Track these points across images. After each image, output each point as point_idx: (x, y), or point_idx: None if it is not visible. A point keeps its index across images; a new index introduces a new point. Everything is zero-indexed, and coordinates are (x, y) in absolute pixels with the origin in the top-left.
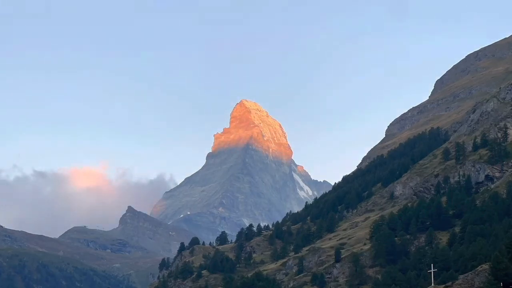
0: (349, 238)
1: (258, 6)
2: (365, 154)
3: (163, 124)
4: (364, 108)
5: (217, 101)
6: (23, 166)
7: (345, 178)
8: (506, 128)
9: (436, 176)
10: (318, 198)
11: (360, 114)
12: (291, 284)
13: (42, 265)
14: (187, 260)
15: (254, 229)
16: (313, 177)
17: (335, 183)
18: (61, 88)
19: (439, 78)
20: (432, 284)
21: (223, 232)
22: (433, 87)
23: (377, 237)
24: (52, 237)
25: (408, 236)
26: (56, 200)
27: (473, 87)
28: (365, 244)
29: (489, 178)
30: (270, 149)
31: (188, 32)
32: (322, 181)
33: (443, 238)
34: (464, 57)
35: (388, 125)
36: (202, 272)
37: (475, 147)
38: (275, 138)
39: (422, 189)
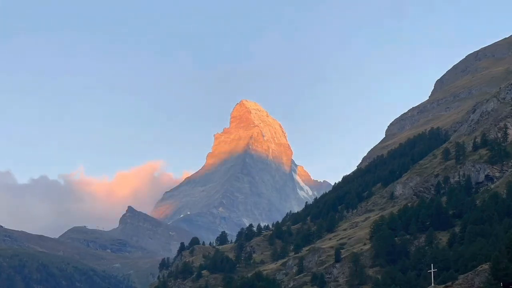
0: (349, 238)
1: (258, 6)
2: (365, 154)
3: (163, 124)
4: (364, 108)
5: (217, 101)
6: (23, 166)
7: (345, 178)
8: (506, 128)
9: (436, 176)
10: (318, 198)
11: (360, 114)
12: (291, 284)
13: (42, 265)
14: (187, 260)
15: (254, 229)
16: (313, 177)
17: (335, 183)
18: (61, 88)
19: (439, 78)
20: (432, 284)
21: (223, 232)
22: (433, 87)
23: (377, 237)
24: (52, 237)
25: (408, 236)
26: (56, 200)
27: (473, 87)
28: (365, 244)
29: (489, 178)
30: (270, 149)
31: (188, 31)
32: (322, 181)
33: (443, 238)
34: (464, 57)
35: (388, 125)
36: (202, 272)
37: (475, 147)
38: (275, 138)
39: (422, 189)
